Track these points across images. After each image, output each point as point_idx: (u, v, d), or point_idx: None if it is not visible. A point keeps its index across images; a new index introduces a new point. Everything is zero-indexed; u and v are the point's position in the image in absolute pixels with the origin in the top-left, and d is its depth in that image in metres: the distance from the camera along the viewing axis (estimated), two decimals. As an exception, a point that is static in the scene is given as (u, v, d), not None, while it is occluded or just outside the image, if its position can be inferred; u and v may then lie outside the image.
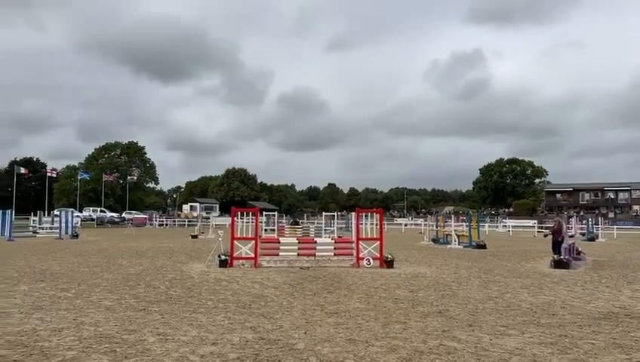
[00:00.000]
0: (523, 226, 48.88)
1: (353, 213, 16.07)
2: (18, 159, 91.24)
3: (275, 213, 38.50)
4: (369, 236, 14.88)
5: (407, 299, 8.86)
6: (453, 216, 28.15)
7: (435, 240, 26.45)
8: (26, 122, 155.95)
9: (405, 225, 54.54)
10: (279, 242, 15.49)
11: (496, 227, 50.36)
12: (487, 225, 47.39)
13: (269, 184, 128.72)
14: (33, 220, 34.51)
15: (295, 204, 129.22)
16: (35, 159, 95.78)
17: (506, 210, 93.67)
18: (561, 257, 14.48)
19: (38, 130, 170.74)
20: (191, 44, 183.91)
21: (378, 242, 14.38)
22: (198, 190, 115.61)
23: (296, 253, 14.45)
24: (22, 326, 6.46)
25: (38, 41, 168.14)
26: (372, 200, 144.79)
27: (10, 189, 74.77)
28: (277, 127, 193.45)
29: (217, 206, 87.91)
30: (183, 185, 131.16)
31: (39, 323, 6.70)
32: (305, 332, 6.26)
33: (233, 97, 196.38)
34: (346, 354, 5.32)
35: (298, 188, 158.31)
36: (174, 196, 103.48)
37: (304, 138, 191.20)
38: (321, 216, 37.73)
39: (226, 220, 46.15)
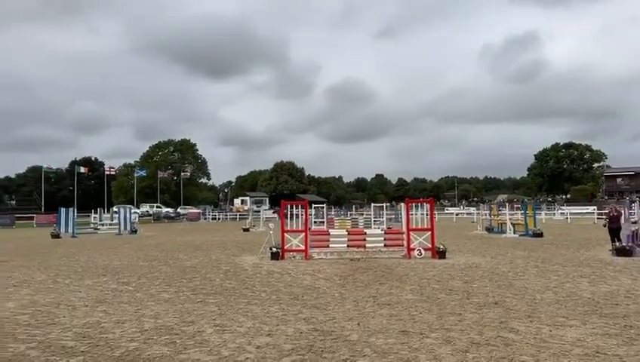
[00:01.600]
0: (582, 213, 46.84)
1: (403, 204, 15.89)
2: (78, 159, 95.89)
3: (324, 205, 38.57)
4: (420, 226, 14.68)
5: (462, 290, 8.70)
6: (507, 204, 27.33)
7: (489, 230, 25.82)
8: (85, 123, 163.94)
9: (457, 214, 53.55)
10: (329, 234, 15.55)
11: (553, 214, 48.47)
12: (543, 212, 45.82)
13: (316, 176, 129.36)
14: (94, 217, 36.10)
15: (343, 195, 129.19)
16: (93, 158, 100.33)
17: (563, 196, 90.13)
18: (624, 244, 13.79)
19: (96, 130, 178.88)
20: (241, 41, 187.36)
21: (429, 232, 14.17)
22: (248, 184, 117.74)
23: (346, 245, 14.46)
24: (87, 319, 6.80)
25: (94, 44, 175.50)
26: (421, 190, 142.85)
27: (71, 188, 78.85)
28: (325, 119, 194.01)
29: (267, 199, 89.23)
30: (234, 180, 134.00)
31: (103, 315, 7.03)
32: (358, 324, 6.27)
33: (282, 91, 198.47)
34: (401, 345, 5.29)
35: (346, 180, 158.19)
36: (226, 191, 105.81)
37: (351, 129, 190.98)
38: (370, 207, 37.57)
39: (276, 213, 46.74)
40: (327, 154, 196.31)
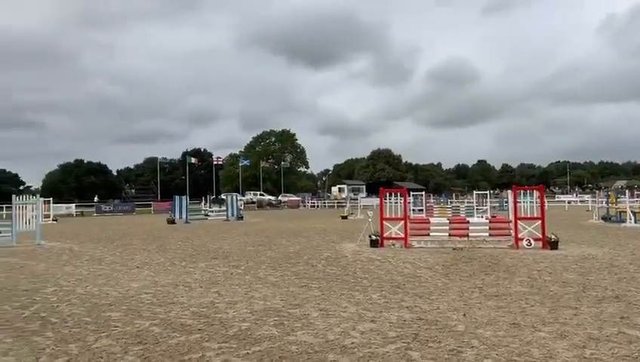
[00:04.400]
0: None
1: (509, 191, 15.13)
2: (189, 150, 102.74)
3: (423, 192, 37.85)
4: (528, 215, 13.90)
5: (577, 283, 8.12)
6: (627, 191, 24.99)
7: (606, 219, 23.81)
8: (196, 116, 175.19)
9: (569, 202, 49.98)
10: (429, 222, 15.25)
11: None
12: (670, 200, 41.26)
13: (414, 163, 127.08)
14: (204, 204, 38.55)
15: (442, 183, 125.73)
16: (202, 150, 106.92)
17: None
18: None
19: (206, 122, 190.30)
20: (341, 29, 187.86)
21: (539, 221, 13.36)
22: (345, 172, 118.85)
23: (447, 234, 14.10)
24: (202, 299, 7.29)
25: (206, 39, 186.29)
26: (528, 176, 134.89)
27: (183, 177, 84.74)
28: (424, 104, 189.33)
29: (364, 187, 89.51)
30: (331, 168, 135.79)
31: (216, 296, 7.50)
32: (464, 315, 6.11)
33: (380, 77, 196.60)
34: (511, 338, 5.07)
35: (445, 167, 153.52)
36: (323, 179, 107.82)
37: (452, 113, 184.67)
38: (471, 195, 36.26)
39: (373, 201, 46.76)
40: (426, 140, 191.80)
